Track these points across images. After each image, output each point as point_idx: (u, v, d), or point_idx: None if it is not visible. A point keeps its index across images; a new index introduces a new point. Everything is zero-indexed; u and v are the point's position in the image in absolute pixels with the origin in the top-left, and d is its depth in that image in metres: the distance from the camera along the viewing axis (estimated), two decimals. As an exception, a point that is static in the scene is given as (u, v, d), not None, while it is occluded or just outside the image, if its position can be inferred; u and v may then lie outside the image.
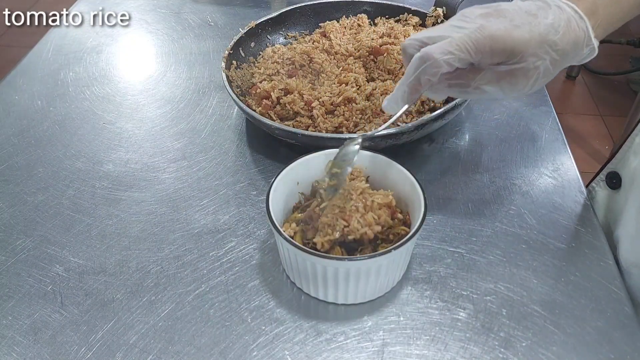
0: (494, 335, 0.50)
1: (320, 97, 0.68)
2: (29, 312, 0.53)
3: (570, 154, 0.69)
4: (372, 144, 0.62)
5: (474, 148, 0.71)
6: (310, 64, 0.75)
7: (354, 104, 0.68)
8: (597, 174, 0.69)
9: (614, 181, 0.66)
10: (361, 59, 0.75)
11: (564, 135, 0.72)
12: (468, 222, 0.61)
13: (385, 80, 0.72)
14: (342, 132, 0.66)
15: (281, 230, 0.51)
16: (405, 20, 0.83)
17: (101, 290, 0.55)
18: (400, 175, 0.55)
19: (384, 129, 0.57)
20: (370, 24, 0.84)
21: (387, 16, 0.84)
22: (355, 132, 0.66)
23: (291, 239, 0.50)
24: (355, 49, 0.76)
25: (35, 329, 0.52)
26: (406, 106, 0.53)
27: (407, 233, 0.51)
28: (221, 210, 0.63)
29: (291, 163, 0.56)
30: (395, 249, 0.48)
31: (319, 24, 0.84)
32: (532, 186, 0.65)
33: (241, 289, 0.55)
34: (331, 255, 0.49)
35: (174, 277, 0.56)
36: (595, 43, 0.51)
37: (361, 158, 0.56)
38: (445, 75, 0.50)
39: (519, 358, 0.49)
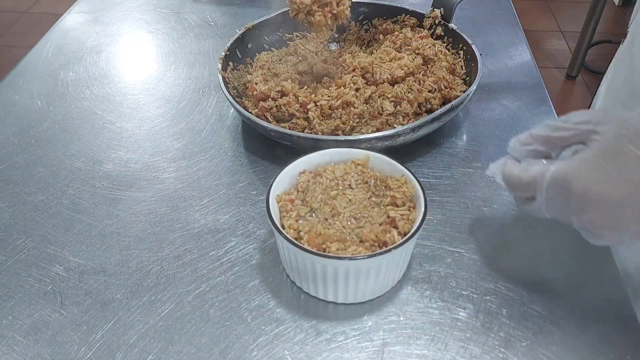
0: (494, 335, 0.50)
1: (318, 100, 0.68)
2: (29, 312, 0.53)
3: (570, 153, 0.69)
4: (369, 146, 0.61)
5: (474, 148, 0.71)
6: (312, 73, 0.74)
7: (352, 108, 0.67)
8: None
9: None
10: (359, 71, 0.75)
11: (564, 135, 0.72)
12: (468, 221, 0.61)
13: (383, 82, 0.72)
14: (338, 135, 0.65)
15: (281, 230, 0.51)
16: (403, 21, 0.82)
17: (101, 290, 0.55)
18: (400, 175, 0.55)
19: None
20: (369, 24, 0.84)
21: (384, 17, 0.84)
22: (351, 135, 0.65)
23: (291, 239, 0.50)
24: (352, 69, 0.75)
25: (35, 329, 0.52)
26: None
27: (407, 233, 0.51)
28: (221, 210, 0.63)
29: (291, 162, 0.56)
30: (395, 248, 0.48)
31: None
32: (532, 186, 0.65)
33: (241, 289, 0.55)
34: (331, 255, 0.49)
35: (174, 277, 0.56)
36: None
37: (360, 157, 0.57)
38: None
39: (519, 358, 0.49)
